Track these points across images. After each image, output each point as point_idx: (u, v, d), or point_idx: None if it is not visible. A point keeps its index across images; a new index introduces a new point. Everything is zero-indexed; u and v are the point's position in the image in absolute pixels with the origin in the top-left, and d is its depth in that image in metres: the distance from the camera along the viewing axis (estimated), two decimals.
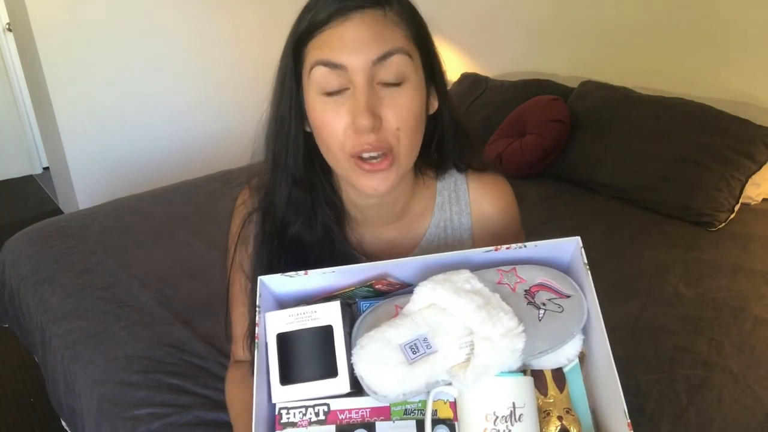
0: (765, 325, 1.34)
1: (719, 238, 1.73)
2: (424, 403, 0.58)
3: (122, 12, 2.74)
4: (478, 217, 0.84)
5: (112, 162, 2.89)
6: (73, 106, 2.72)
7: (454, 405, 0.59)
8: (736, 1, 1.95)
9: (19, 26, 2.79)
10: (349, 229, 0.81)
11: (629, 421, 0.54)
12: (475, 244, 0.84)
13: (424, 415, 0.57)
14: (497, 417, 0.56)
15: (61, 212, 3.21)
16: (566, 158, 2.13)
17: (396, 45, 0.66)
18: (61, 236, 1.81)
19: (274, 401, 0.59)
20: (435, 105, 0.75)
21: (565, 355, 0.62)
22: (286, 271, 0.62)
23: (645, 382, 1.17)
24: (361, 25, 0.65)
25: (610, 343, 0.58)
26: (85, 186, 2.85)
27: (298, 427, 0.57)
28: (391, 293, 0.67)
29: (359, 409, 0.58)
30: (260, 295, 0.61)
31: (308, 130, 0.73)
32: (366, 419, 0.57)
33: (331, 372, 0.59)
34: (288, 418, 0.58)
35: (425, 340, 0.58)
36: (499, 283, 0.62)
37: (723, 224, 1.77)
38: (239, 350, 0.88)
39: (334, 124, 0.67)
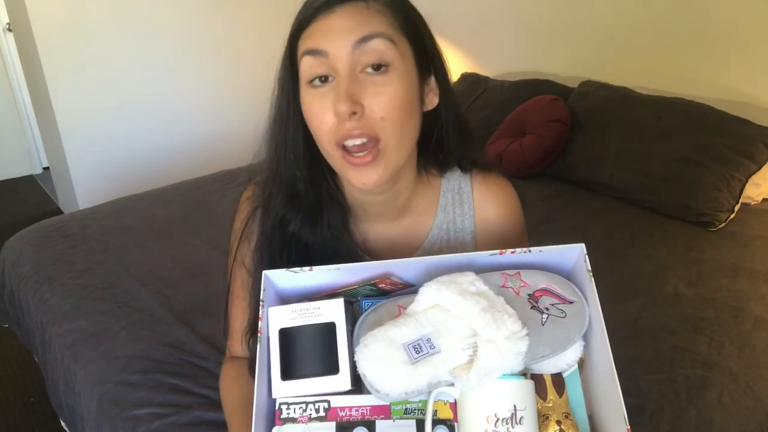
0: (765, 325, 1.34)
1: (719, 238, 1.73)
2: (425, 402, 0.58)
3: (122, 12, 2.74)
4: (481, 221, 0.84)
5: (112, 162, 2.89)
6: (73, 106, 2.72)
7: (454, 406, 0.59)
8: (736, 1, 1.95)
9: (19, 26, 2.79)
10: (353, 226, 0.81)
11: (629, 427, 0.54)
12: (477, 248, 0.84)
13: (424, 414, 0.58)
14: (498, 419, 0.56)
15: (61, 212, 3.21)
16: (566, 158, 2.13)
17: (376, 29, 0.67)
18: (61, 236, 1.80)
19: (274, 396, 0.59)
20: (435, 101, 0.75)
21: (565, 360, 0.62)
22: (288, 268, 0.63)
23: (645, 382, 1.17)
24: (343, 15, 0.67)
25: (611, 344, 0.58)
26: (85, 186, 2.85)
27: (298, 422, 0.57)
28: (394, 293, 0.67)
29: (360, 406, 0.58)
30: (264, 290, 0.62)
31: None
32: (366, 417, 0.57)
33: (333, 369, 0.59)
34: (288, 414, 0.58)
35: (429, 340, 0.58)
36: (503, 286, 0.63)
37: (723, 224, 1.77)
38: (236, 346, 0.88)
39: (321, 115, 0.68)
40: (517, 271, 0.64)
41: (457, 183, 0.84)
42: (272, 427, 0.58)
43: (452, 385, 0.58)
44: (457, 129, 0.79)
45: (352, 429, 0.57)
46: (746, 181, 1.80)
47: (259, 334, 0.60)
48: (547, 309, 0.61)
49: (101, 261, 1.68)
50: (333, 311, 0.60)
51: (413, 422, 0.58)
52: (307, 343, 0.60)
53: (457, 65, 2.88)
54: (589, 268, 0.62)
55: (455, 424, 0.58)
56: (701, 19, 2.04)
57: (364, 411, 0.58)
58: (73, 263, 1.66)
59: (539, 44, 2.60)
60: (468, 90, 2.58)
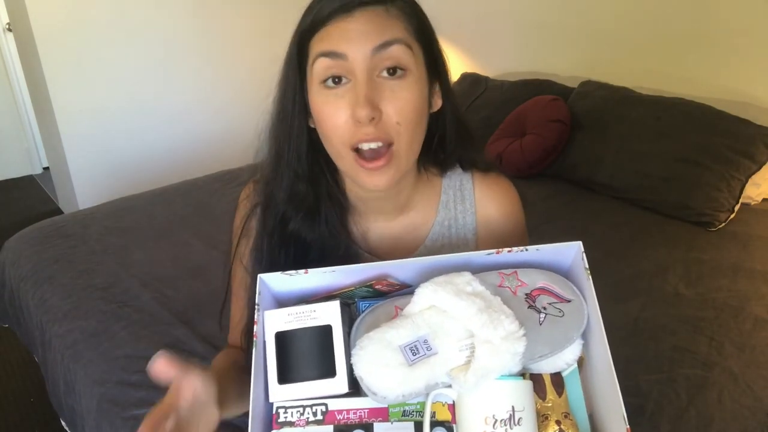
0: (765, 325, 1.34)
1: (719, 238, 1.73)
2: (423, 404, 0.58)
3: (122, 12, 2.74)
4: (483, 219, 0.84)
5: (112, 162, 2.89)
6: (73, 106, 2.72)
7: (452, 407, 0.59)
8: (736, 1, 1.94)
9: (19, 26, 2.79)
10: (352, 224, 0.81)
11: (628, 426, 0.54)
12: (479, 247, 0.84)
13: (422, 416, 0.57)
14: (496, 420, 0.55)
15: (61, 212, 3.21)
16: (566, 158, 2.13)
17: (396, 36, 0.67)
18: (61, 236, 1.81)
19: (271, 400, 0.58)
20: (438, 103, 0.76)
21: (564, 360, 0.62)
22: (288, 266, 0.62)
23: (645, 382, 1.17)
24: (362, 18, 0.67)
25: (610, 344, 0.58)
26: (85, 186, 2.85)
27: (295, 426, 0.57)
28: (390, 294, 0.67)
29: (357, 409, 0.58)
30: (259, 293, 0.61)
31: (312, 125, 0.74)
32: (364, 420, 0.57)
33: (330, 372, 0.59)
34: (285, 418, 0.57)
35: (425, 341, 0.58)
36: (500, 286, 0.62)
37: (723, 224, 1.77)
38: (235, 338, 0.87)
39: (335, 117, 0.68)
40: (514, 270, 0.64)
41: (458, 180, 0.84)
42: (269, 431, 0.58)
43: (450, 386, 0.58)
44: (458, 130, 0.80)
45: None
46: (746, 181, 1.80)
47: (255, 338, 0.59)
48: (545, 308, 0.61)
49: (101, 261, 1.68)
50: (329, 314, 0.60)
51: (411, 424, 0.57)
52: (303, 347, 0.59)
53: (457, 65, 2.88)
54: (587, 266, 0.62)
55: (453, 425, 0.58)
56: (701, 19, 2.04)
57: (362, 414, 0.57)
58: (73, 263, 1.66)
59: (539, 44, 2.60)
60: (468, 90, 2.58)
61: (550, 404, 0.60)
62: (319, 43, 0.68)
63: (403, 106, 0.67)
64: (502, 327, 0.56)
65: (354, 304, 0.67)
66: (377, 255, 0.82)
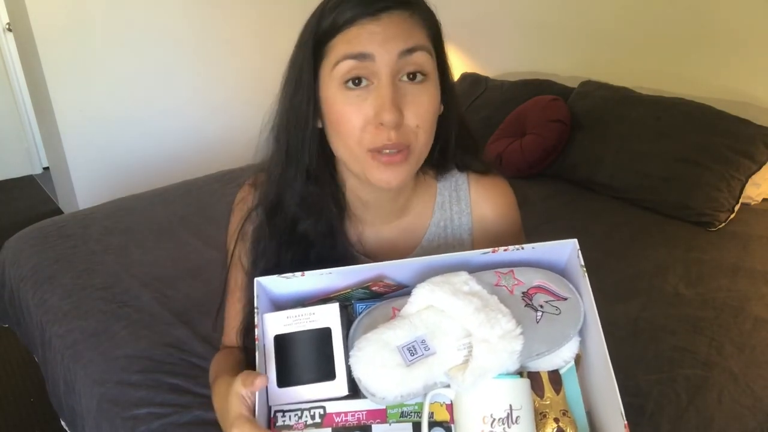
0: (765, 325, 1.34)
1: (719, 238, 1.73)
2: (421, 405, 0.58)
3: (122, 12, 2.74)
4: (478, 219, 0.84)
5: (112, 162, 2.89)
6: (73, 106, 2.72)
7: (450, 407, 0.59)
8: (736, 1, 1.94)
9: (19, 26, 2.79)
10: (349, 226, 0.81)
11: (626, 422, 0.54)
12: (474, 247, 0.84)
13: (420, 417, 0.57)
14: (494, 419, 0.55)
15: (61, 212, 3.22)
16: (566, 158, 2.13)
17: (420, 42, 0.68)
18: (61, 236, 1.81)
19: (271, 404, 0.58)
20: (442, 107, 0.76)
21: (561, 357, 0.62)
22: (290, 269, 0.62)
23: (645, 382, 1.17)
24: (389, 23, 0.67)
25: (610, 344, 0.58)
26: (85, 186, 2.85)
27: (293, 430, 0.57)
28: (387, 295, 0.67)
29: (355, 411, 0.58)
30: (257, 296, 0.61)
31: (319, 126, 0.74)
32: (362, 422, 0.57)
33: (329, 374, 0.58)
34: (284, 421, 0.57)
35: (423, 341, 0.58)
36: (496, 285, 0.62)
37: (723, 224, 1.77)
38: (231, 339, 0.87)
39: (354, 119, 0.68)
40: (510, 269, 0.64)
41: (453, 181, 0.85)
42: None
43: (448, 386, 0.58)
44: (461, 135, 0.81)
45: None
46: (746, 181, 1.80)
47: (256, 342, 0.59)
48: (542, 306, 0.61)
49: (101, 261, 1.68)
50: (328, 316, 0.60)
51: (410, 425, 0.57)
52: (302, 350, 0.59)
53: (457, 65, 2.87)
54: (582, 263, 0.62)
55: (452, 425, 0.58)
56: (701, 19, 2.04)
57: (360, 416, 0.57)
58: (73, 263, 1.66)
59: (539, 44, 2.60)
60: (468, 90, 2.58)
61: (548, 402, 0.60)
62: (344, 45, 0.68)
63: (423, 111, 0.68)
64: (499, 326, 0.56)
65: (351, 306, 0.67)
66: (374, 258, 0.82)
